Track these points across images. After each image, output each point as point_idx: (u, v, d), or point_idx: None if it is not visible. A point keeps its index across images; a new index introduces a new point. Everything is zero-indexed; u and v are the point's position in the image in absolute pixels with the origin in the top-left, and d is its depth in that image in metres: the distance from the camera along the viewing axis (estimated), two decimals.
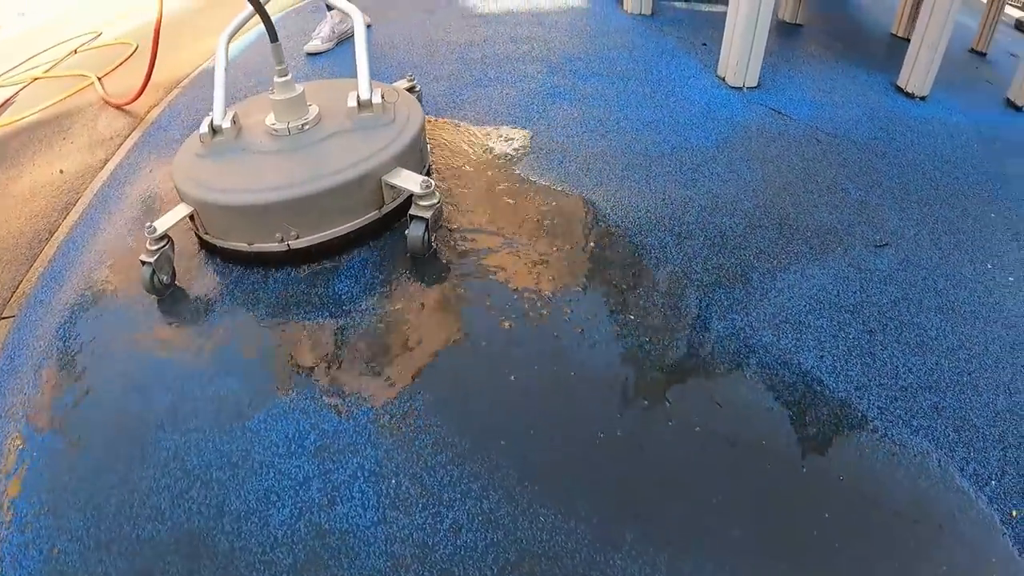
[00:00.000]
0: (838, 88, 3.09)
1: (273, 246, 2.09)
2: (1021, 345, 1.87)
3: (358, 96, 2.28)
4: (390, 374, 1.76)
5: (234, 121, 2.25)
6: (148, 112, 3.26)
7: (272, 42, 2.14)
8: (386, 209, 2.22)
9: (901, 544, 1.40)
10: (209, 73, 3.24)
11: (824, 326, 1.87)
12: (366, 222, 2.19)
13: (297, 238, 2.10)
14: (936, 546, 1.41)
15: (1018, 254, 2.21)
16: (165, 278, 2.01)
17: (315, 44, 3.59)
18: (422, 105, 2.65)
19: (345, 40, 3.64)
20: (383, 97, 2.31)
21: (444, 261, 2.10)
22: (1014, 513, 1.47)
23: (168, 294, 2.04)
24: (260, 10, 2.09)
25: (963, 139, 2.79)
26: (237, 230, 2.10)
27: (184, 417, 1.68)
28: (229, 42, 2.28)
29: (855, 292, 1.98)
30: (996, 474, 1.54)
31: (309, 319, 1.92)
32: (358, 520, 1.45)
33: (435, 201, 2.10)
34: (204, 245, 2.23)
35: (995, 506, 1.47)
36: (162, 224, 2.02)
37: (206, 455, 1.60)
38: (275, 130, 2.25)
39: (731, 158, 2.52)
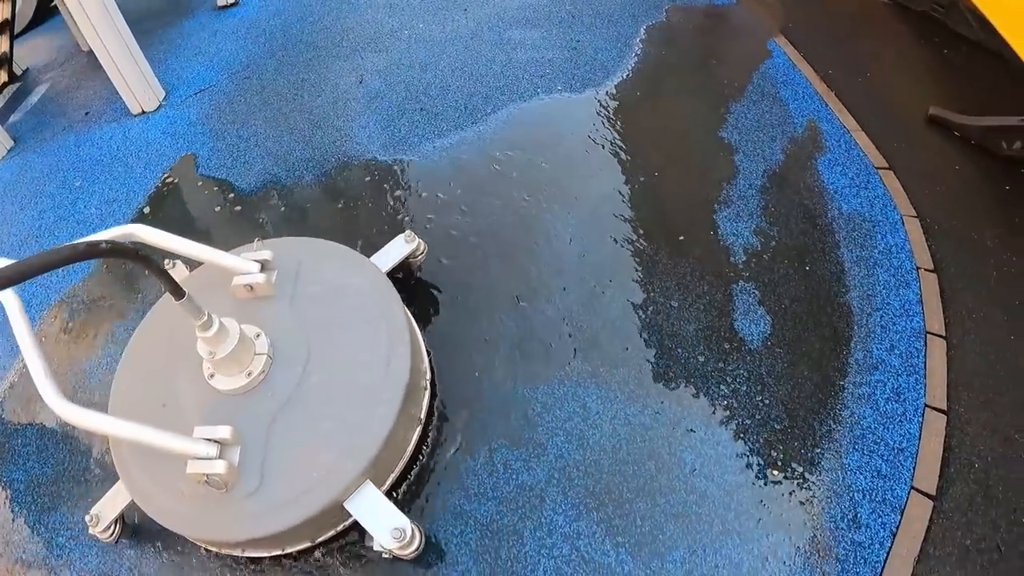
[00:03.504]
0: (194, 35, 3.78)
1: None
2: None
3: (245, 271, 1.97)
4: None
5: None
6: None
7: (178, 299, 1.63)
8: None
9: None
10: None
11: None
12: None
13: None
14: None
15: None
16: None
17: None
18: None
19: None
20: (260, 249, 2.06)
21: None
22: None
23: None
24: (158, 270, 1.53)
25: None
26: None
27: None
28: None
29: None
30: None
31: None
32: None
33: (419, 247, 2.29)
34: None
35: None
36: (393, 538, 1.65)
37: None
38: (247, 376, 1.82)
39: (254, 135, 3.17)
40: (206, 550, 1.93)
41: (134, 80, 3.25)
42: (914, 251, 2.42)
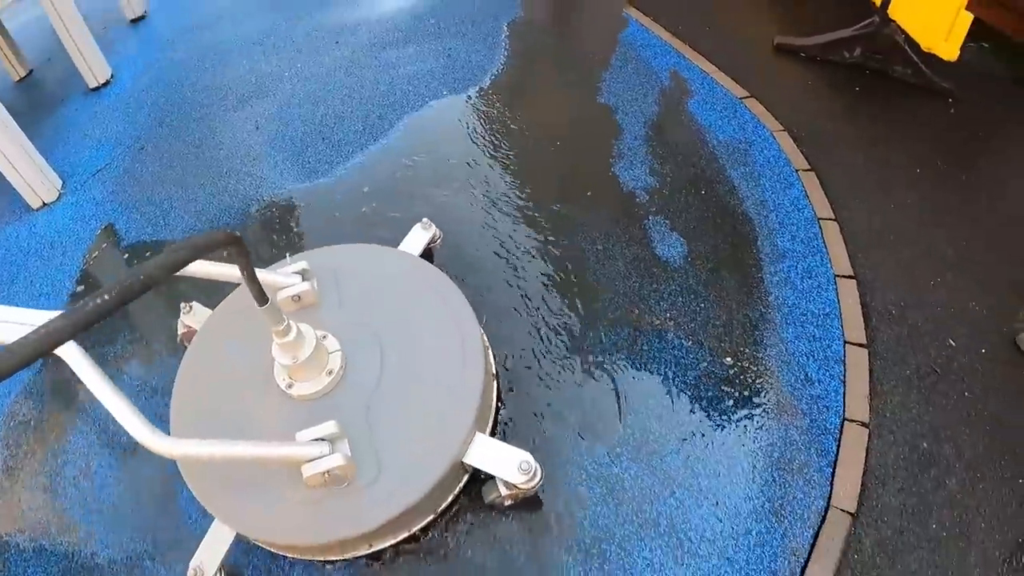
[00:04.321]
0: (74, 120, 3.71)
1: None
2: None
3: (287, 283, 1.96)
4: None
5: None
6: None
7: (262, 305, 1.56)
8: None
9: None
10: None
11: None
12: None
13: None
14: None
15: None
16: None
17: None
18: None
19: None
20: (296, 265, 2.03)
21: None
22: None
23: None
24: (251, 273, 1.49)
25: None
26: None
27: None
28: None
29: None
30: None
31: None
32: None
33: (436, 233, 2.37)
34: None
35: None
36: None
37: None
38: (328, 374, 1.81)
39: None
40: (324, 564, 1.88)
41: (30, 174, 3.19)
42: (790, 158, 2.73)
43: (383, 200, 2.78)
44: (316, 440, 1.60)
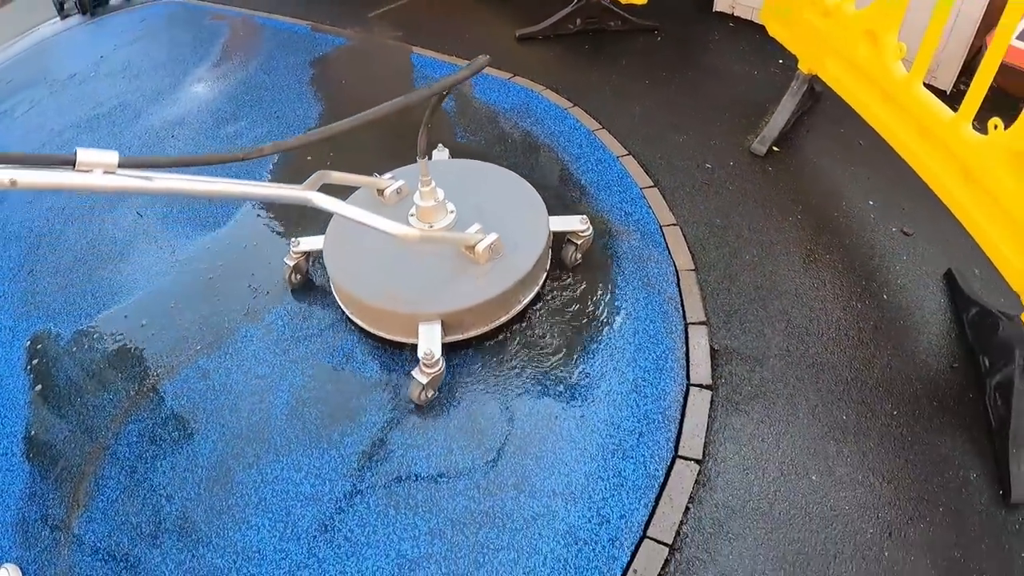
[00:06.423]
0: None
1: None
2: None
3: (389, 184, 2.77)
4: None
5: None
6: None
7: (422, 158, 2.39)
8: None
9: None
10: None
11: None
12: None
13: None
14: None
15: None
16: None
17: None
18: None
19: None
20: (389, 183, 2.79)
21: None
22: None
23: None
24: (427, 127, 2.33)
25: None
26: None
27: None
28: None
29: None
30: None
31: None
32: None
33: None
34: None
35: None
36: None
37: None
38: (452, 211, 2.62)
39: None
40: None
41: None
42: (558, 103, 3.76)
43: (284, 214, 3.36)
44: (476, 232, 2.46)
